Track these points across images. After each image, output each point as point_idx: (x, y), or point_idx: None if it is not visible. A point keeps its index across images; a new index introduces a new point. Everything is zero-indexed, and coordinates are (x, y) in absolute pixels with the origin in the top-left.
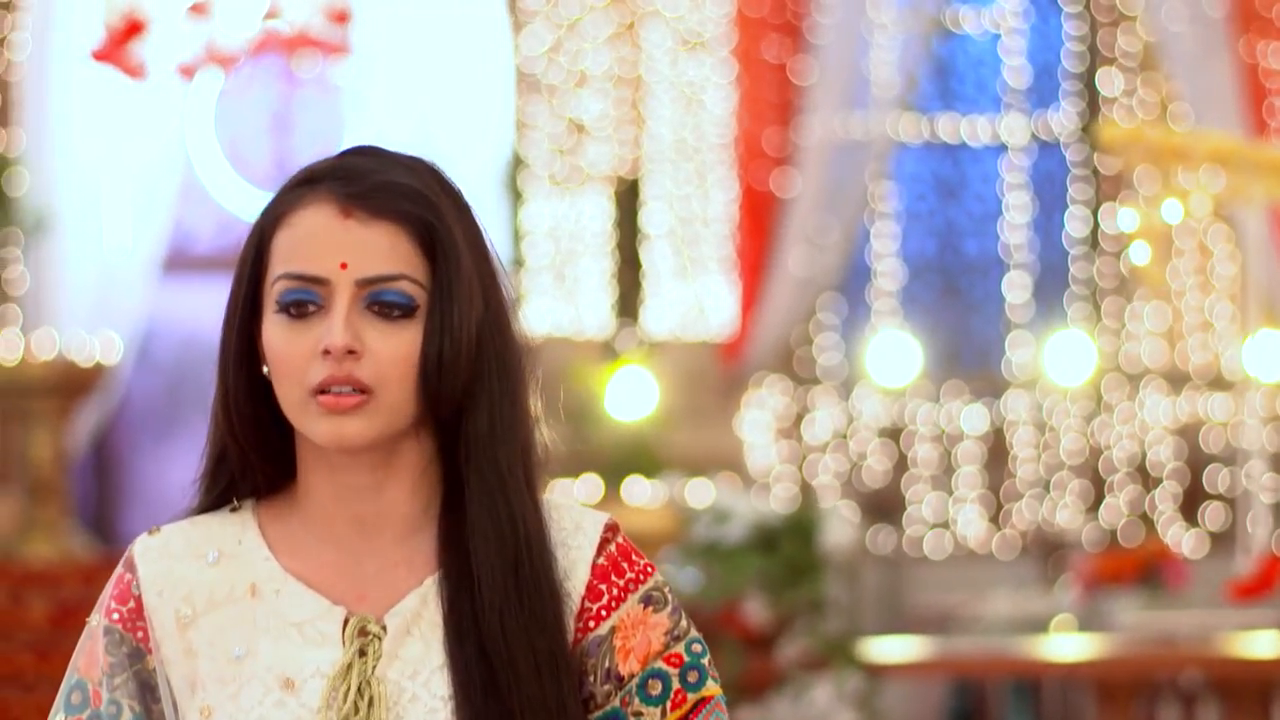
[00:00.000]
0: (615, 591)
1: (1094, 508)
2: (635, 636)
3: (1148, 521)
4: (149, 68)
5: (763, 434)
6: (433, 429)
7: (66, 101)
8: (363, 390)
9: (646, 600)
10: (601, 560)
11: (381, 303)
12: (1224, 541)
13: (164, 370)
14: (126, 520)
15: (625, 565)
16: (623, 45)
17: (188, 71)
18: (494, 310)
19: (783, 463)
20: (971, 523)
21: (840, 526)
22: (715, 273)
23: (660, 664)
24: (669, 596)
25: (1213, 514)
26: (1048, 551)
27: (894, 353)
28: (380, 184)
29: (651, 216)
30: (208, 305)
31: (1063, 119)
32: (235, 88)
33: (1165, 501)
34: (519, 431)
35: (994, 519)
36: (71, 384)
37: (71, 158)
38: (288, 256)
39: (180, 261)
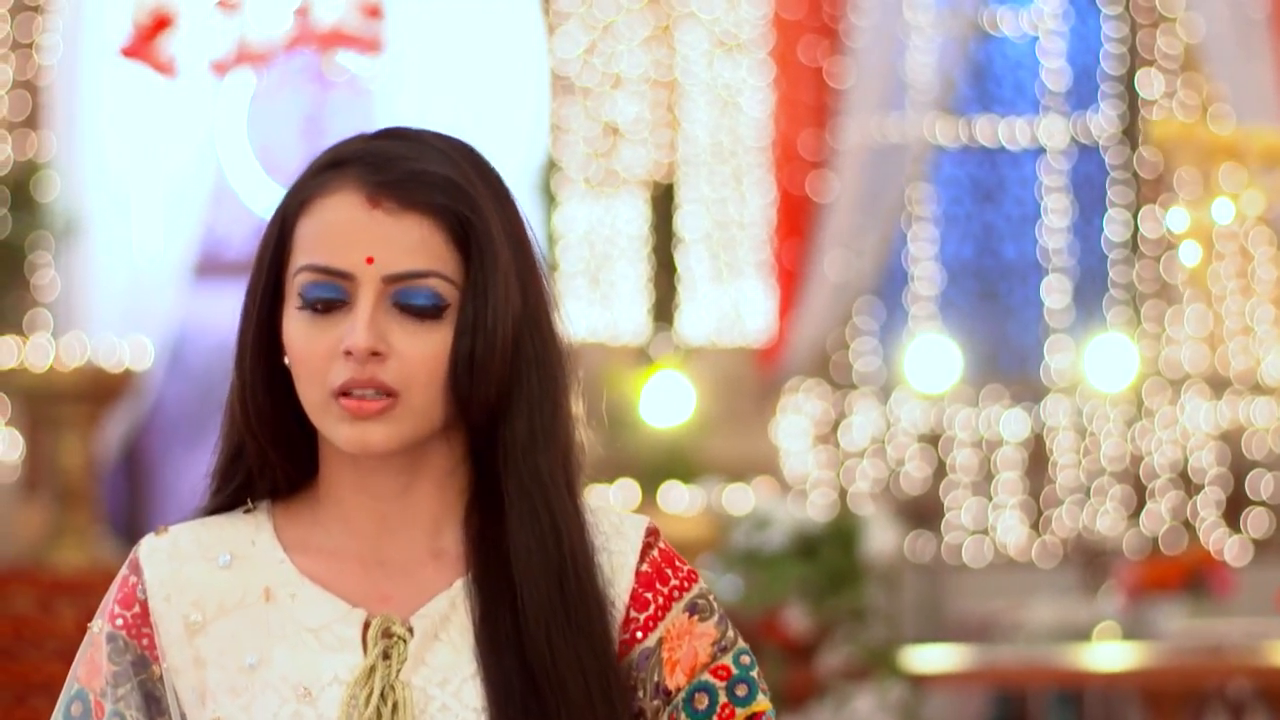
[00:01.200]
0: (660, 600)
1: (1135, 514)
2: (681, 648)
3: (1190, 528)
4: (180, 64)
5: (800, 440)
6: (463, 432)
7: (97, 104)
8: (388, 393)
9: (692, 609)
10: (645, 567)
11: (409, 303)
12: (1268, 548)
13: (195, 376)
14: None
15: (669, 572)
16: (658, 47)
17: (221, 68)
18: (533, 307)
19: (821, 468)
20: (1012, 529)
21: (882, 533)
22: (751, 277)
23: (707, 677)
24: (714, 605)
25: (1257, 520)
26: (1089, 559)
27: (932, 358)
28: (412, 172)
29: (687, 220)
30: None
31: (1102, 121)
32: (267, 90)
33: (1208, 508)
34: (560, 435)
35: (1034, 526)
36: (102, 390)
37: (102, 161)
38: (311, 247)
39: (212, 266)
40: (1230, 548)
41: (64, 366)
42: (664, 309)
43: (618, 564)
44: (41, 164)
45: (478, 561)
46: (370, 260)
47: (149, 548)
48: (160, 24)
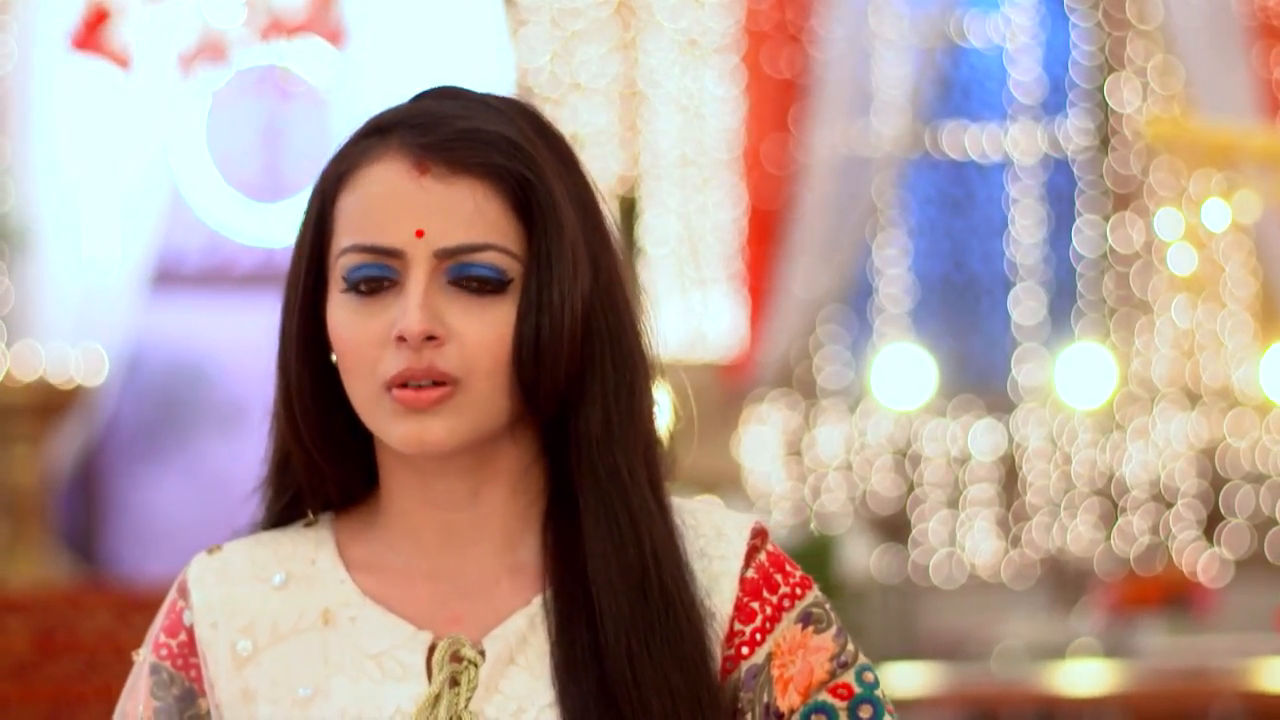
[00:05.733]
0: (769, 610)
1: (1109, 531)
2: (795, 664)
3: (1165, 544)
4: (135, 56)
5: (768, 453)
6: (534, 427)
7: (51, 111)
8: (446, 382)
9: (805, 619)
10: (751, 573)
11: (466, 277)
12: (1247, 566)
13: (152, 390)
14: (112, 543)
15: (779, 578)
16: (624, 56)
17: (185, 61)
18: (605, 283)
19: (790, 481)
20: (982, 546)
21: (857, 550)
22: (718, 289)
23: (825, 696)
24: (831, 615)
25: (1237, 537)
26: (1062, 576)
27: (902, 371)
28: (463, 132)
29: (652, 232)
30: (197, 324)
31: (1071, 131)
32: (225, 101)
33: (1185, 524)
34: (639, 427)
35: (1006, 541)
36: (55, 403)
37: (57, 169)
38: (353, 225)
39: (170, 278)
40: (1209, 565)
41: (16, 379)
42: None
43: (718, 570)
44: None
45: (556, 575)
46: (420, 233)
47: (199, 568)
48: (100, 16)
